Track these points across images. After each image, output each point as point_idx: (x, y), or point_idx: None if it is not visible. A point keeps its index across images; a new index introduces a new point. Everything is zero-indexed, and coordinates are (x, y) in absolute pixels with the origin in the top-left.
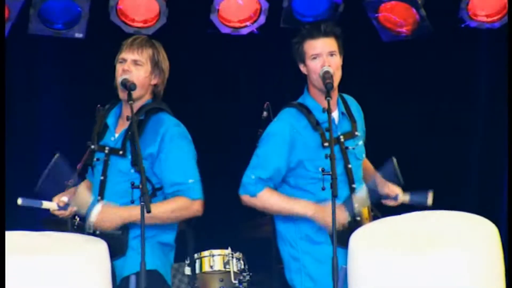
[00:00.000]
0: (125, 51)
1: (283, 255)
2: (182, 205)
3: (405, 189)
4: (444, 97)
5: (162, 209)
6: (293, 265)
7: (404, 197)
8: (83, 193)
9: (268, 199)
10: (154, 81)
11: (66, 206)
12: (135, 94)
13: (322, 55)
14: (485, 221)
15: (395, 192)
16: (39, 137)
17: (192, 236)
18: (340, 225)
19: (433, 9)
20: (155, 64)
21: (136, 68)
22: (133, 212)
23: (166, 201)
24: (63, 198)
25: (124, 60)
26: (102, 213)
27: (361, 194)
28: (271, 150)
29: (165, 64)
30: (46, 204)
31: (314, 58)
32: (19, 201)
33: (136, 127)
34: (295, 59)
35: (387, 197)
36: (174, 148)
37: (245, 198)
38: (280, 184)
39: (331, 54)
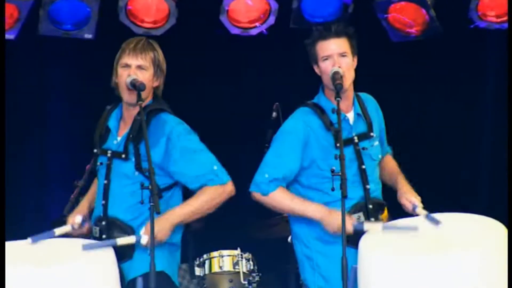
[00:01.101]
0: (128, 56)
1: (298, 255)
2: (213, 193)
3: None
4: (453, 97)
5: (198, 203)
6: (307, 265)
7: (421, 212)
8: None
9: (280, 200)
10: (156, 83)
11: (82, 224)
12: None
13: (333, 56)
14: (495, 223)
15: (412, 203)
16: (48, 138)
17: (192, 239)
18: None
19: (442, 9)
20: (157, 66)
21: (141, 73)
22: (177, 212)
23: (198, 194)
24: (77, 218)
25: (128, 66)
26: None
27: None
28: (285, 149)
29: (164, 64)
30: (60, 231)
31: (325, 59)
32: (29, 241)
33: (145, 127)
34: (310, 60)
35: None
36: (185, 144)
37: (256, 195)
38: (291, 183)
39: (342, 55)
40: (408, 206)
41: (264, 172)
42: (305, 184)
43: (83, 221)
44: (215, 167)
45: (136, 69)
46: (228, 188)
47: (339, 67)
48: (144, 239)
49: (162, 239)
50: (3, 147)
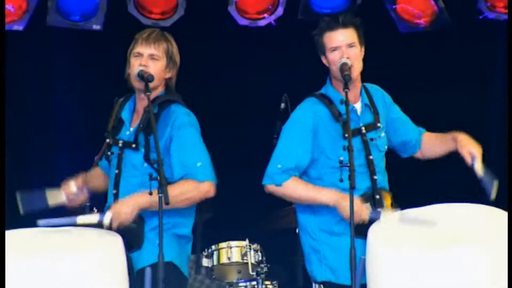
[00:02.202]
0: (141, 45)
1: (304, 247)
2: (190, 187)
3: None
4: (462, 88)
5: (171, 194)
6: (314, 257)
7: (479, 167)
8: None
9: (294, 189)
10: (168, 75)
11: (77, 195)
12: (150, 86)
13: (341, 47)
14: (504, 214)
15: (472, 155)
16: (56, 129)
17: (201, 230)
18: (360, 220)
19: (451, 0)
20: (170, 58)
21: (153, 63)
22: (147, 199)
23: (174, 185)
24: (71, 187)
25: (140, 54)
26: (114, 213)
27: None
28: (294, 139)
29: (178, 57)
30: (53, 199)
31: (334, 50)
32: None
33: (153, 118)
34: (317, 51)
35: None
36: (181, 134)
37: (271, 187)
38: (300, 175)
39: (350, 45)
40: (467, 158)
41: (276, 163)
42: (313, 176)
43: (78, 192)
44: (199, 164)
45: (148, 58)
46: (203, 187)
47: (348, 58)
48: (107, 219)
49: (124, 221)
50: (3, 147)
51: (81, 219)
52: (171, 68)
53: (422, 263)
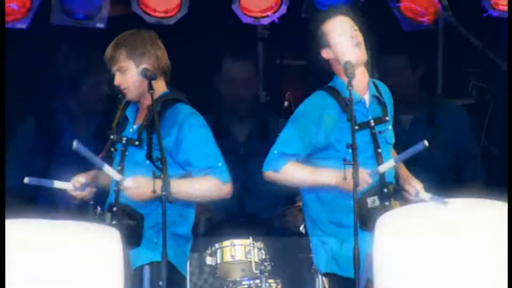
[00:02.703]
0: (109, 65)
1: (312, 240)
2: (215, 187)
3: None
4: (465, 85)
5: (196, 186)
6: (321, 248)
7: (424, 196)
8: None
9: (292, 173)
10: (150, 67)
11: (83, 187)
12: (132, 94)
13: (348, 31)
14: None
15: (415, 189)
16: (58, 128)
17: (203, 229)
18: (366, 184)
19: None
20: (140, 54)
21: (122, 75)
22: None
23: (200, 178)
24: (80, 178)
25: (113, 73)
26: (135, 181)
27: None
28: (297, 129)
29: (154, 47)
30: (58, 184)
31: (341, 34)
32: (26, 179)
33: (157, 117)
34: (316, 47)
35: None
36: (196, 136)
37: (269, 174)
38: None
39: (355, 29)
40: (411, 191)
41: (274, 150)
42: (320, 166)
43: (86, 184)
44: (220, 164)
45: (119, 74)
46: (226, 188)
47: (359, 42)
48: (128, 184)
49: (138, 198)
50: (3, 146)
51: (107, 169)
52: (149, 59)
53: (430, 257)
